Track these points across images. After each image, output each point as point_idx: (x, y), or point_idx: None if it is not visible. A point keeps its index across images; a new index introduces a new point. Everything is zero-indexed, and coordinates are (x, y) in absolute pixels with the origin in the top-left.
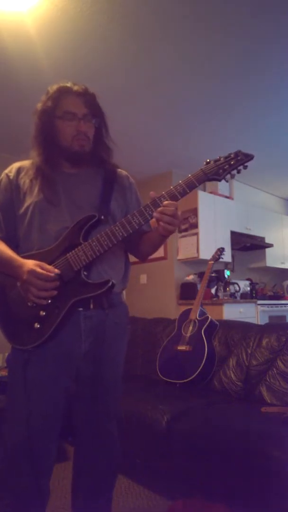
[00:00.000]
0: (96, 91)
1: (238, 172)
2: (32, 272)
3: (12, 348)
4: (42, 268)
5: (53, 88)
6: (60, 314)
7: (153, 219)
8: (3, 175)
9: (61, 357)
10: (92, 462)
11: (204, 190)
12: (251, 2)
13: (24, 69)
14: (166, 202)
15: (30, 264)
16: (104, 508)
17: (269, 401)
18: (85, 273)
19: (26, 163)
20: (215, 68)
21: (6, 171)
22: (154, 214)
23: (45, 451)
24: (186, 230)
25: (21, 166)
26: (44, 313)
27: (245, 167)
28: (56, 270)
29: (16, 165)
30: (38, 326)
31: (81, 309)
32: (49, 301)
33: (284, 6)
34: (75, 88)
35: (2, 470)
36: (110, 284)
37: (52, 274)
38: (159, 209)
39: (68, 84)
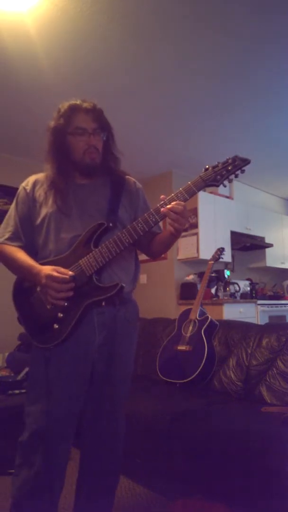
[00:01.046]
0: (96, 91)
1: (236, 176)
2: (49, 276)
3: (33, 348)
4: (58, 271)
5: (64, 106)
6: (76, 315)
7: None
8: (20, 188)
9: (80, 354)
10: (97, 462)
11: (204, 190)
12: (251, 2)
13: (24, 69)
14: (174, 202)
15: (47, 269)
16: (106, 508)
17: (269, 401)
18: (96, 277)
19: (41, 176)
20: (215, 68)
21: (23, 184)
22: (162, 209)
23: (63, 446)
24: (186, 230)
25: (37, 179)
26: (62, 315)
27: (243, 171)
28: (71, 272)
29: (32, 179)
30: (57, 326)
31: (93, 307)
32: (66, 304)
33: (284, 6)
34: (85, 105)
35: (19, 465)
36: (119, 287)
37: (67, 276)
38: (168, 206)
39: (78, 102)
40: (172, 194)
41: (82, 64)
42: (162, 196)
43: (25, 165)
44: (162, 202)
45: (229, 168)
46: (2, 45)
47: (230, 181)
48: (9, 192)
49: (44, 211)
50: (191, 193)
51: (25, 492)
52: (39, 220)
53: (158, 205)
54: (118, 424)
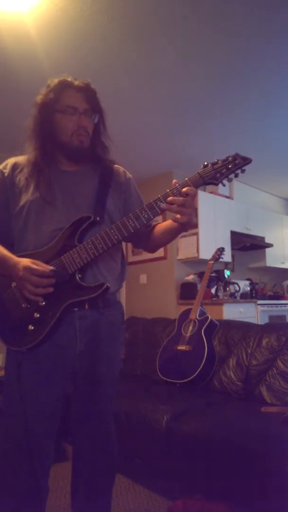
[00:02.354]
0: (96, 91)
1: (236, 176)
2: (27, 268)
3: (7, 349)
4: (37, 264)
5: (54, 81)
6: (54, 316)
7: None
8: None
9: (56, 357)
10: (90, 462)
11: (204, 190)
12: (251, 2)
13: (24, 69)
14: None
15: (25, 261)
16: (104, 508)
17: (269, 401)
18: (79, 275)
19: (21, 159)
20: (215, 68)
21: (1, 167)
22: (162, 206)
23: (42, 450)
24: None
25: (17, 162)
26: (38, 315)
27: (243, 171)
28: (51, 267)
29: (11, 161)
30: (32, 328)
31: (76, 309)
32: (43, 303)
33: (284, 6)
34: (77, 83)
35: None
36: (104, 287)
37: (47, 270)
38: (169, 199)
39: (69, 79)
40: (168, 190)
41: (82, 64)
42: (174, 181)
43: None
44: (156, 198)
45: (229, 166)
46: (2, 45)
47: (230, 180)
48: None
49: (23, 199)
50: None
51: (12, 502)
52: (17, 209)
53: (151, 200)
54: (107, 424)
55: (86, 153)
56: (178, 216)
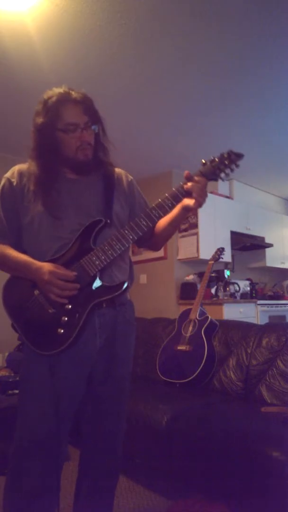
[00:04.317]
0: (96, 91)
1: (232, 171)
2: (53, 272)
3: (29, 352)
4: (60, 269)
5: (51, 99)
6: (81, 318)
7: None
8: (4, 180)
9: (82, 356)
10: (97, 462)
11: None
12: (251, 1)
13: (24, 69)
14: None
15: (49, 266)
16: (106, 509)
17: (269, 401)
18: (101, 277)
19: (24, 167)
20: (215, 68)
21: (8, 175)
22: (186, 186)
23: (62, 450)
24: (186, 230)
25: (22, 171)
26: (66, 319)
27: (237, 166)
28: (74, 272)
29: (16, 169)
30: (62, 331)
31: (95, 308)
32: (70, 306)
33: (284, 6)
34: (74, 95)
35: (13, 468)
36: (125, 286)
37: (71, 275)
38: (194, 179)
39: (64, 90)
40: (174, 189)
41: (82, 64)
42: (186, 172)
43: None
44: (164, 197)
45: (226, 162)
46: (2, 45)
47: (227, 175)
48: None
49: (33, 209)
50: None
51: (23, 499)
52: (28, 218)
53: (160, 200)
54: (120, 425)
55: (91, 164)
56: (195, 197)
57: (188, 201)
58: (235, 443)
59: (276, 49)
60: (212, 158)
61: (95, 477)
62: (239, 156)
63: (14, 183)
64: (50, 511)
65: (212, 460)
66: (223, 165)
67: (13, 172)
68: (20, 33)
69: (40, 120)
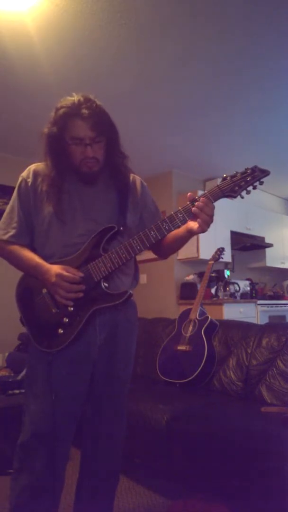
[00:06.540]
0: (96, 91)
1: (254, 188)
2: (59, 275)
3: (33, 349)
4: (67, 271)
5: (60, 110)
6: (81, 321)
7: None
8: (21, 179)
9: (82, 354)
10: (98, 462)
11: (204, 190)
12: (251, 1)
13: (24, 69)
14: (203, 201)
15: (57, 268)
16: (106, 509)
17: (269, 401)
18: (105, 284)
19: (40, 167)
20: (215, 68)
21: (24, 175)
22: (193, 209)
23: (65, 449)
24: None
25: (37, 170)
26: (67, 320)
27: (261, 183)
28: (81, 274)
29: (32, 169)
30: (62, 331)
31: (96, 313)
32: (72, 308)
33: (285, 6)
34: (82, 111)
35: (18, 469)
36: (127, 295)
37: (78, 277)
38: (199, 205)
39: (75, 101)
40: (188, 203)
41: (82, 64)
42: (189, 194)
43: (25, 165)
44: (177, 210)
45: (248, 179)
46: (2, 45)
47: (248, 192)
48: (8, 192)
49: (46, 209)
50: None
51: (26, 497)
52: (40, 218)
53: (172, 213)
54: (120, 424)
55: (96, 175)
56: (199, 223)
57: (192, 224)
58: (235, 443)
59: (276, 49)
60: (235, 173)
61: (95, 478)
62: (265, 172)
63: (30, 183)
64: (50, 511)
65: (212, 460)
66: (244, 182)
67: (29, 171)
68: (20, 33)
69: (49, 127)
